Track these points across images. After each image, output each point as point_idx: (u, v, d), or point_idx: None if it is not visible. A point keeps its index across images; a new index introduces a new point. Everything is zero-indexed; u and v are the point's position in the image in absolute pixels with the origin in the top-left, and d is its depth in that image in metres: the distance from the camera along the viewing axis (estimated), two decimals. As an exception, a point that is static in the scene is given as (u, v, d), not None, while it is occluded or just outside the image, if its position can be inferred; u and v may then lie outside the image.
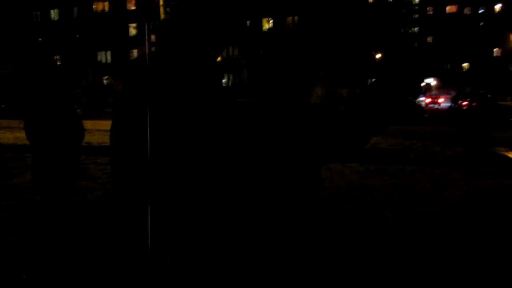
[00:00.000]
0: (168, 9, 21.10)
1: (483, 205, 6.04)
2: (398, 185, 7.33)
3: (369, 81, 47.22)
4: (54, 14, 48.24)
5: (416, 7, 60.59)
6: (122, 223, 1.68)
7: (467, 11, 63.19)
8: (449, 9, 63.67)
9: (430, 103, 45.69)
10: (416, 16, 59.30)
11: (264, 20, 43.89)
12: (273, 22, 42.56)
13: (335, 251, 4.23)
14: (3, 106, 31.69)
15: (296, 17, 42.07)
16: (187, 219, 1.65)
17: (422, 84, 55.58)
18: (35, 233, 4.43)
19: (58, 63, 46.69)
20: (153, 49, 1.78)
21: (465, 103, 34.29)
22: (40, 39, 46.38)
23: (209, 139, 1.66)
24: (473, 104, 30.52)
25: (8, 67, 41.13)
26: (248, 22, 43.59)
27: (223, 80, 43.55)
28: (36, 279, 3.50)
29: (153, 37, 2.09)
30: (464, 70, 62.59)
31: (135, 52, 43.57)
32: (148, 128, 1.62)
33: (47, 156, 3.87)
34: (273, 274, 1.95)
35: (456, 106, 39.18)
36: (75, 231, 4.12)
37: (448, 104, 44.60)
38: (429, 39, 62.31)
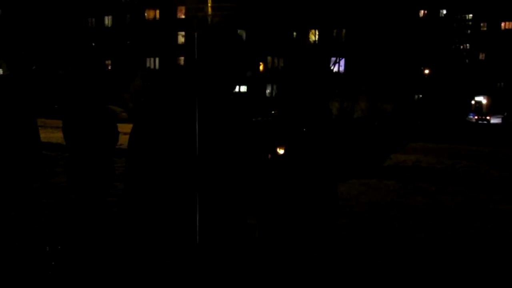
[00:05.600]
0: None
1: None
2: (435, 205, 7.10)
3: (416, 97, 46.06)
4: (108, 20, 50.11)
5: (469, 23, 58.81)
6: (135, 225, 1.72)
7: (523, 27, 60.75)
8: (504, 25, 61.45)
9: (478, 119, 44.48)
10: (469, 31, 57.55)
11: (311, 32, 43.79)
12: (318, 34, 42.42)
13: (362, 269, 4.14)
14: (56, 106, 32.94)
15: (336, 29, 41.70)
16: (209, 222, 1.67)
17: (472, 102, 53.78)
18: (65, 230, 4.59)
19: (109, 68, 48.29)
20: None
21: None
22: (93, 44, 48.16)
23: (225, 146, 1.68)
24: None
25: (67, 68, 42.75)
26: (294, 33, 43.64)
27: (267, 91, 43.70)
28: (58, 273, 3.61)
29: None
30: (518, 89, 60.03)
31: (182, 60, 44.45)
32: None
33: (81, 157, 4.01)
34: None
35: (507, 125, 37.70)
36: (102, 231, 4.23)
37: (498, 122, 43.02)
38: (481, 56, 60.29)
